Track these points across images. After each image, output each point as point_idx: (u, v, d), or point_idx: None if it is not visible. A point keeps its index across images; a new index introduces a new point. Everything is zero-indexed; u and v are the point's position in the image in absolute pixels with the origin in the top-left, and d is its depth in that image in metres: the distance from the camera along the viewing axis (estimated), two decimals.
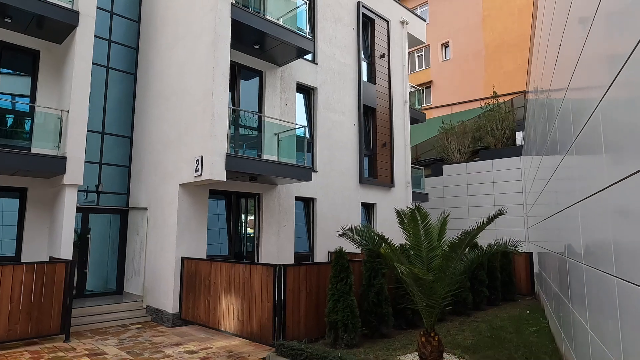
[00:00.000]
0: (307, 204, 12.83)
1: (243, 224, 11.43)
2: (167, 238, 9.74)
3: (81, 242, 10.57)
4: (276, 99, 11.83)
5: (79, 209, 10.37)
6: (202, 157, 8.89)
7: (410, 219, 6.20)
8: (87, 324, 8.98)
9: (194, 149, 9.25)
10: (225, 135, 9.04)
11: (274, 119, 11.08)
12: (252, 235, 11.26)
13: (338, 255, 7.35)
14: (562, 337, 6.47)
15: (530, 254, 13.37)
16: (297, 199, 12.32)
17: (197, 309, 8.85)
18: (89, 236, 10.71)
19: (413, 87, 18.16)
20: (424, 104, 30.46)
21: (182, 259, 9.42)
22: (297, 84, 12.64)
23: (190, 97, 9.67)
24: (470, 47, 29.93)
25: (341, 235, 7.07)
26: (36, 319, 7.49)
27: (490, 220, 6.10)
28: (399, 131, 16.11)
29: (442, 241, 6.46)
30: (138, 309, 10.04)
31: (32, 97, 9.85)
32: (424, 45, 33.07)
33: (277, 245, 11.39)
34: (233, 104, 10.86)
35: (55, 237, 9.31)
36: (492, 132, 23.86)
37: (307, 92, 13.26)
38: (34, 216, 9.65)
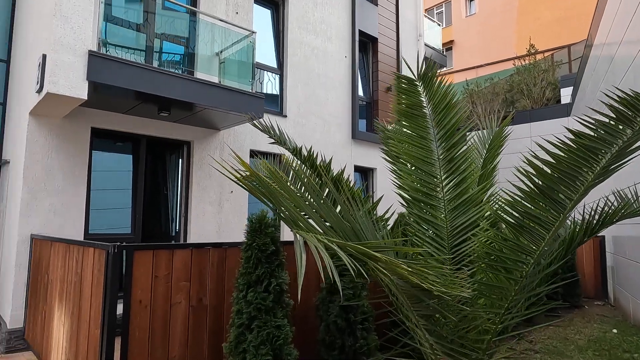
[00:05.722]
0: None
1: (166, 189, 7.57)
2: (13, 204, 5.96)
3: None
4: (220, 3, 7.85)
5: None
6: (43, 56, 5.00)
7: (408, 110, 2.17)
8: None
9: (40, 45, 5.37)
10: (88, 18, 5.11)
11: (215, 18, 7.07)
12: (178, 206, 7.39)
13: (254, 229, 3.39)
14: None
15: (602, 239, 9.15)
16: (254, 154, 8.37)
17: (35, 326, 5.05)
18: None
19: (430, 19, 13.90)
20: (445, 68, 25.97)
21: (32, 238, 5.61)
22: None
23: None
24: None
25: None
26: None
27: None
28: (409, 74, 11.89)
29: (491, 187, 2.43)
30: None
31: None
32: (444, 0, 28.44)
33: (217, 222, 7.50)
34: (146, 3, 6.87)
35: None
36: (529, 93, 19.44)
37: (275, 5, 9.22)
38: None
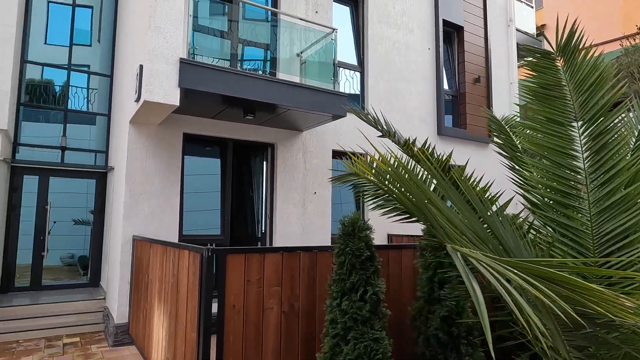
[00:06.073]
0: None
1: (252, 191, 7.70)
2: (117, 207, 6.41)
3: (37, 215, 7.77)
4: (300, 4, 7.82)
5: (29, 169, 7.57)
6: (140, 67, 5.27)
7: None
8: None
9: (137, 57, 5.70)
10: (179, 28, 5.30)
11: (296, 17, 7.05)
12: (263, 207, 7.47)
13: (347, 232, 3.18)
14: None
15: None
16: (337, 154, 8.22)
17: (138, 322, 5.34)
18: (48, 207, 7.86)
19: (520, 1, 12.74)
20: None
21: (134, 239, 5.98)
22: None
23: None
24: None
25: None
26: None
27: None
28: (500, 63, 11.01)
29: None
30: (96, 311, 6.89)
31: None
32: None
33: (301, 223, 7.46)
34: (230, 12, 7.05)
35: None
36: None
37: (354, 1, 9.01)
38: None
